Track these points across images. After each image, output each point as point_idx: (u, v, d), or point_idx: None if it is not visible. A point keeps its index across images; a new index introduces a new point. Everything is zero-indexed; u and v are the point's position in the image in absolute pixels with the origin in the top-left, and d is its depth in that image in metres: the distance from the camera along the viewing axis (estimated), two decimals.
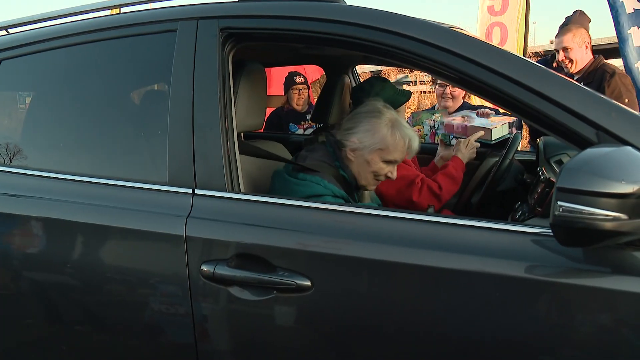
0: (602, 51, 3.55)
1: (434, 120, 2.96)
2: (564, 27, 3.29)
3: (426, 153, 2.52)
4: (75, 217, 1.45)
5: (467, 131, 2.56)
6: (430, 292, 1.21)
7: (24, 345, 1.57)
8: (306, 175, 1.58)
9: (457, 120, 2.68)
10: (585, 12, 3.49)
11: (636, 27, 3.06)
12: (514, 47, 4.75)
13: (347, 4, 1.43)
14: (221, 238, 1.32)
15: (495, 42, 4.84)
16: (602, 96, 1.21)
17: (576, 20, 3.45)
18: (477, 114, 2.73)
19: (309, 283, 1.23)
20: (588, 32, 3.30)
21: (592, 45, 3.31)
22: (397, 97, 2.26)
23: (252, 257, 1.28)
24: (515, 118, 2.63)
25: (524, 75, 1.19)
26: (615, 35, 3.67)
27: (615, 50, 3.88)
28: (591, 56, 3.25)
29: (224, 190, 1.35)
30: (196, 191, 1.36)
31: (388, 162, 1.69)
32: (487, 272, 1.14)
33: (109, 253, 1.44)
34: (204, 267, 1.29)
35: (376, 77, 2.37)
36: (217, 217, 1.33)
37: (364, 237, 1.25)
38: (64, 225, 1.46)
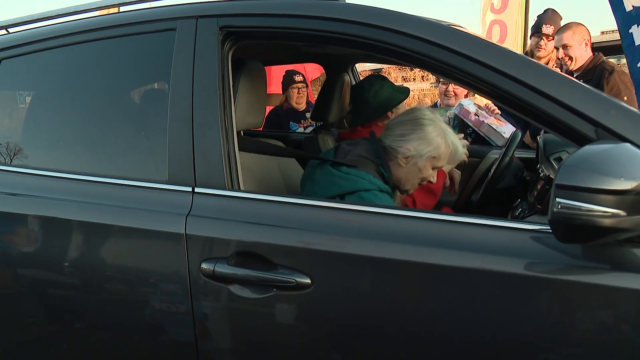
0: (603, 49, 3.53)
1: (448, 117, 2.95)
2: (563, 26, 3.29)
3: None
4: (76, 215, 1.45)
5: (481, 125, 2.56)
6: (430, 289, 1.21)
7: (24, 344, 1.57)
8: (351, 170, 1.57)
9: (474, 108, 2.68)
10: (556, 10, 3.50)
11: (636, 25, 3.04)
12: (513, 44, 4.75)
13: (347, 2, 1.42)
14: (221, 236, 1.32)
15: (494, 39, 4.84)
16: (601, 93, 1.22)
17: (549, 18, 3.45)
18: (486, 107, 2.74)
19: (308, 281, 1.23)
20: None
21: (593, 43, 3.31)
22: (396, 94, 2.26)
23: (252, 255, 1.28)
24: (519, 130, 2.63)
25: (522, 73, 1.20)
26: (614, 33, 3.66)
27: (615, 48, 3.88)
28: (590, 53, 3.24)
29: (224, 189, 1.35)
30: (196, 189, 1.37)
31: (436, 168, 1.70)
32: (487, 270, 1.14)
33: (109, 252, 1.44)
34: (204, 265, 1.29)
35: (375, 75, 2.37)
36: (217, 215, 1.34)
37: (364, 234, 1.25)
38: (64, 224, 1.46)
